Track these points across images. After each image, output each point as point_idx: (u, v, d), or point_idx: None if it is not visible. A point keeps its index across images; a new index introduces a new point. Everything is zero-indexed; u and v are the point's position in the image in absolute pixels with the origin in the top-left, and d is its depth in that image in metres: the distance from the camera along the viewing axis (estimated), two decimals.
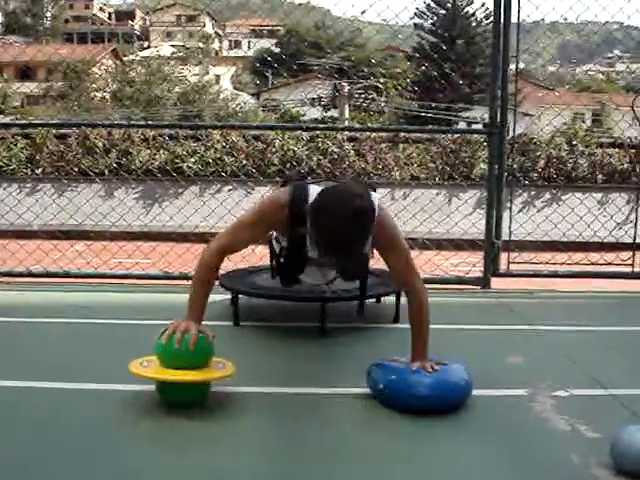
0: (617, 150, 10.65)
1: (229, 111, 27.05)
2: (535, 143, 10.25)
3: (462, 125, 26.95)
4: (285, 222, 2.57)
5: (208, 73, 33.17)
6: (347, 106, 24.65)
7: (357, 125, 14.13)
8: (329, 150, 10.56)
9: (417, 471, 2.05)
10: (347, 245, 2.26)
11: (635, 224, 4.80)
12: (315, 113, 26.37)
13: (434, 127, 12.47)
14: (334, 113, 25.34)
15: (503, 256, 4.64)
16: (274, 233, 3.05)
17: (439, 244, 6.10)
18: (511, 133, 4.66)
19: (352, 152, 10.53)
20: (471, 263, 5.63)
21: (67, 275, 4.63)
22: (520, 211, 8.85)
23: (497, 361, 3.03)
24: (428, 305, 2.63)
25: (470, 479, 2.01)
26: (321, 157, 10.51)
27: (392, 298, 3.60)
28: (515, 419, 2.42)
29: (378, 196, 2.69)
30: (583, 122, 29.48)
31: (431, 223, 6.13)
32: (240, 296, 3.52)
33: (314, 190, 2.52)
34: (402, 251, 2.63)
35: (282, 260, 2.97)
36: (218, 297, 4.05)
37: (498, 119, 4.46)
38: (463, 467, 2.07)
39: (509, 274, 4.67)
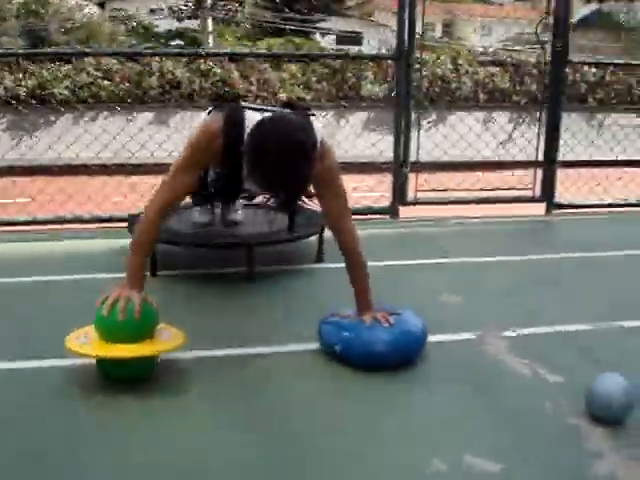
0: (498, 69, 10.79)
1: (76, 24, 25.01)
2: (420, 62, 10.08)
3: (317, 36, 26.60)
4: (219, 152, 2.32)
5: None
6: (210, 18, 23.65)
7: (263, 51, 12.91)
8: (212, 72, 9.96)
9: (391, 430, 1.94)
10: (290, 184, 2.09)
11: (537, 144, 4.86)
12: (170, 24, 24.99)
13: (338, 52, 11.63)
14: (190, 24, 24.15)
15: (410, 183, 4.59)
16: None
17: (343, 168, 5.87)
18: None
19: (236, 73, 10.01)
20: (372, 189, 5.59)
21: None
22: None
23: (430, 300, 2.94)
24: (362, 249, 2.48)
25: (447, 435, 1.92)
26: (203, 79, 9.90)
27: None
28: (473, 366, 2.37)
29: (320, 125, 2.48)
30: (433, 32, 29.90)
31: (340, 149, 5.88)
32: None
33: (251, 116, 2.31)
34: (341, 193, 2.44)
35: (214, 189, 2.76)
36: (121, 242, 3.76)
37: (406, 43, 4.31)
38: (436, 422, 1.99)
39: (417, 202, 4.63)
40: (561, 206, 4.91)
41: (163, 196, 2.27)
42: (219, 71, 9.92)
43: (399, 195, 4.56)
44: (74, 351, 2.05)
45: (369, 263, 2.48)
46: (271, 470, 1.75)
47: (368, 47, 25.67)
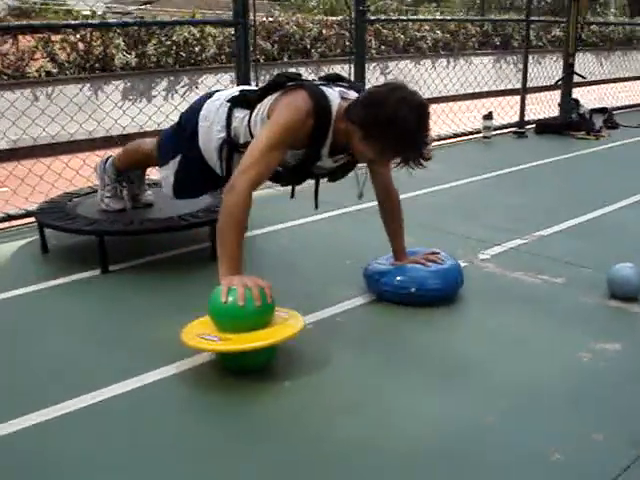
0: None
1: None
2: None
3: None
4: (307, 133, 2.23)
5: None
6: None
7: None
8: None
9: (518, 343, 2.24)
10: (425, 140, 2.17)
11: None
12: None
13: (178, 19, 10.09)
14: None
15: None
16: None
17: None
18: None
19: None
20: None
21: None
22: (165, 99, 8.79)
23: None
24: None
25: (552, 337, 2.27)
26: None
27: None
28: (495, 285, 2.71)
29: None
30: None
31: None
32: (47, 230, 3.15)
33: (330, 93, 2.28)
34: None
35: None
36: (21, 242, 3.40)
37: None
38: (531, 329, 2.33)
39: None
40: None
41: (259, 171, 2.17)
42: None
43: None
44: (228, 349, 1.99)
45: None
46: None
47: None
